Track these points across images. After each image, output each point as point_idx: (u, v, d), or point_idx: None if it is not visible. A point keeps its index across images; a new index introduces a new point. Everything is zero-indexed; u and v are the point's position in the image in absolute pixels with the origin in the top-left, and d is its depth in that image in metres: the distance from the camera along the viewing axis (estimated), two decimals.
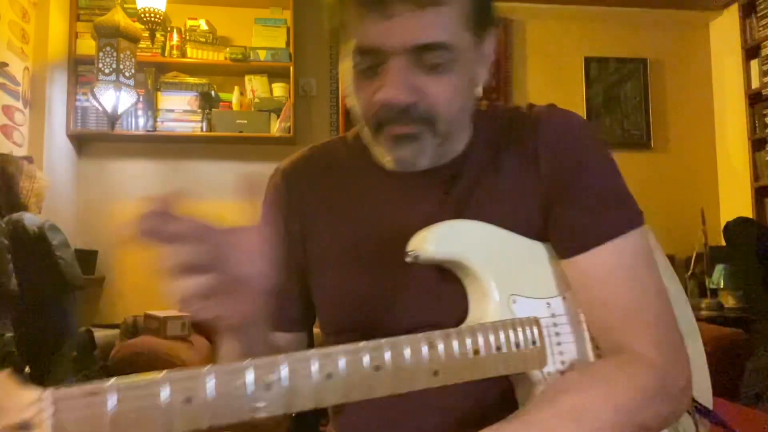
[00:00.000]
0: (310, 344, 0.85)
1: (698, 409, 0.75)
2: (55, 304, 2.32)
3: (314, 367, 0.55)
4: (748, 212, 3.36)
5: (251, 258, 0.55)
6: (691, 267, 3.17)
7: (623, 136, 3.70)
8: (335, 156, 0.85)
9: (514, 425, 0.59)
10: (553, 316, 0.72)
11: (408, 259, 0.69)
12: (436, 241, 0.69)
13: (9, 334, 1.98)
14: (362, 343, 0.58)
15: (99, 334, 2.55)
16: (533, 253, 0.74)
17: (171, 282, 0.51)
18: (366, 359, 0.57)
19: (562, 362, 0.71)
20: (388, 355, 0.58)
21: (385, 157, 0.73)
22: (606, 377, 0.64)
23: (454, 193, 0.76)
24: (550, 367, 0.70)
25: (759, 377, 2.25)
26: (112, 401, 0.48)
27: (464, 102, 0.72)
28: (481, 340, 0.64)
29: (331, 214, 0.81)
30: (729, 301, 3.03)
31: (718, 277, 3.08)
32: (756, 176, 3.42)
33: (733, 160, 3.66)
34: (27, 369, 2.03)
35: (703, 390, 0.80)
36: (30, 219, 2.13)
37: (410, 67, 0.67)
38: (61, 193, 2.99)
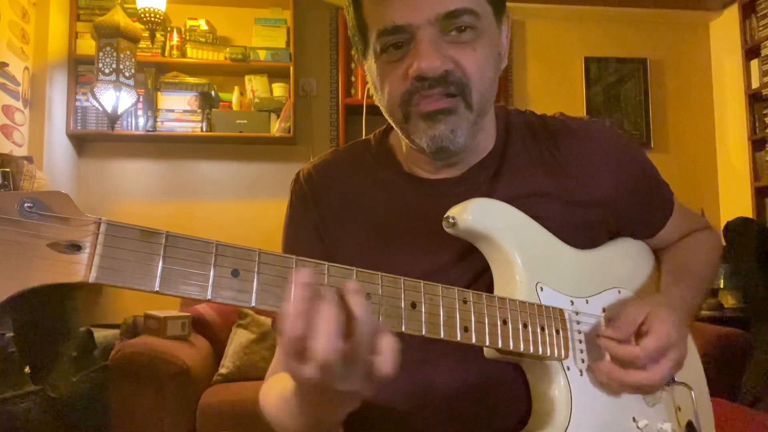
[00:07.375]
0: None
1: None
2: (55, 304, 2.32)
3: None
4: (748, 212, 3.36)
5: None
6: None
7: None
8: (361, 161, 0.84)
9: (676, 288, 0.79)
10: (576, 314, 0.73)
11: (445, 225, 0.69)
12: (476, 211, 0.69)
13: (9, 334, 1.98)
14: (401, 277, 0.58)
15: (99, 334, 2.55)
16: (564, 254, 0.76)
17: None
18: (403, 293, 0.58)
19: (583, 360, 0.71)
20: (423, 296, 0.59)
21: (421, 139, 0.71)
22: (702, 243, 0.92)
23: (497, 191, 0.76)
24: (571, 362, 0.70)
25: (759, 377, 2.24)
26: (165, 246, 0.48)
27: (493, 75, 0.73)
28: (509, 311, 0.66)
29: (358, 221, 0.79)
30: (729, 301, 3.04)
31: (718, 277, 3.08)
32: (756, 176, 3.42)
33: (733, 160, 3.66)
34: (27, 369, 2.03)
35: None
36: None
37: (440, 36, 0.67)
38: None
